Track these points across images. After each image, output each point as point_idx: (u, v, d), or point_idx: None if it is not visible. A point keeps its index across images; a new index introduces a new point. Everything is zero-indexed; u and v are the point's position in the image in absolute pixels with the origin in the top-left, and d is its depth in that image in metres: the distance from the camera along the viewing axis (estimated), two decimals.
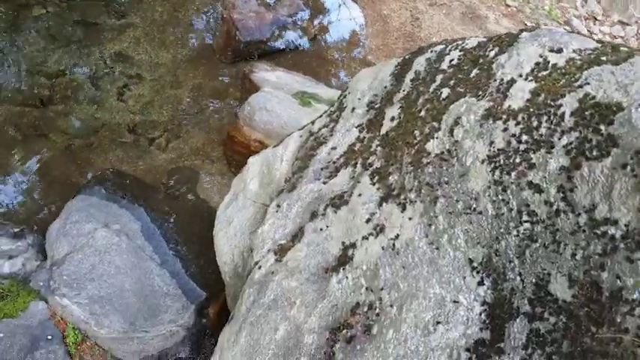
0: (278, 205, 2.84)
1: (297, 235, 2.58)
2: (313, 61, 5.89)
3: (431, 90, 2.32)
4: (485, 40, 2.24)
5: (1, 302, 3.48)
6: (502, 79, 1.95)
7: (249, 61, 5.75)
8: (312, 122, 3.38)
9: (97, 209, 4.17)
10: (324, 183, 2.72)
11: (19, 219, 4.31)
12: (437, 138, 2.09)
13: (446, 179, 1.98)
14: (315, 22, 6.19)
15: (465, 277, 1.86)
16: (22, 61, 5.66)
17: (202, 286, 3.96)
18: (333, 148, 2.90)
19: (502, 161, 1.80)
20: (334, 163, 2.80)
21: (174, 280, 3.92)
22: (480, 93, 2.00)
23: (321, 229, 2.47)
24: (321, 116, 3.34)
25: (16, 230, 4.10)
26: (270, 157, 3.50)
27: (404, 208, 2.13)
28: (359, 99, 3.06)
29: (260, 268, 2.58)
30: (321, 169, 2.83)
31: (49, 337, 3.42)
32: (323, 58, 5.92)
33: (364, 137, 2.77)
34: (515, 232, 1.74)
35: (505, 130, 1.83)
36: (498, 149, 1.83)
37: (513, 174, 1.77)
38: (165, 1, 6.50)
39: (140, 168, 4.92)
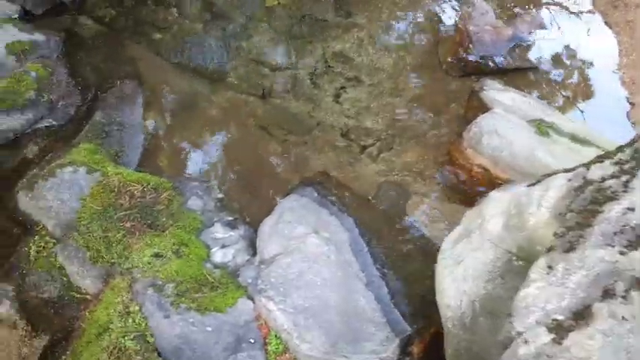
0: (549, 267, 2.35)
1: (581, 314, 2.07)
2: (550, 87, 5.24)
3: None
4: None
5: (213, 293, 3.44)
6: None
7: (479, 76, 5.25)
8: (586, 167, 2.82)
9: (308, 212, 4.01)
10: (622, 253, 2.16)
11: (232, 207, 4.30)
12: None
13: None
14: (557, 44, 5.50)
15: None
16: (250, 50, 5.77)
17: (407, 319, 3.59)
18: (630, 209, 2.32)
19: None
20: (633, 229, 2.23)
21: (379, 305, 3.61)
22: None
23: (623, 318, 1.93)
24: (601, 161, 2.76)
25: (230, 219, 4.09)
26: (523, 197, 3.01)
27: None
28: None
29: (527, 343, 2.11)
30: (614, 233, 2.27)
31: (252, 341, 3.30)
32: (563, 84, 5.24)
33: None
34: None
35: None
36: None
37: None
38: (393, 4, 6.25)
39: (350, 175, 4.71)
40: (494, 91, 4.80)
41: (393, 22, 6.09)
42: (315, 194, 4.23)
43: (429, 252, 4.06)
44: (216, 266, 3.69)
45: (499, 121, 4.46)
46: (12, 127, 4.33)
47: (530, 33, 5.37)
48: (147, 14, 5.95)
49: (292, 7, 6.26)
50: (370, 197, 4.51)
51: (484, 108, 4.74)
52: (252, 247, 3.94)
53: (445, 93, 5.31)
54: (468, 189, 4.44)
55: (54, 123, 4.55)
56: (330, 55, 5.83)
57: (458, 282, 3.06)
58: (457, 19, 5.55)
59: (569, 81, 5.26)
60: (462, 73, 5.29)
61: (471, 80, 5.25)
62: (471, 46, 5.17)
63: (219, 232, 3.94)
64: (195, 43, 5.73)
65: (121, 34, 5.68)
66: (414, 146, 4.96)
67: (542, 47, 5.41)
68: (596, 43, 5.50)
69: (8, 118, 4.31)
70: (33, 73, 4.63)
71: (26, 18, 5.38)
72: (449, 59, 5.38)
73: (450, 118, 5.09)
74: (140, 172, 4.21)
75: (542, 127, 4.43)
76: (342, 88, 5.55)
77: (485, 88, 4.90)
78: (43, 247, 3.63)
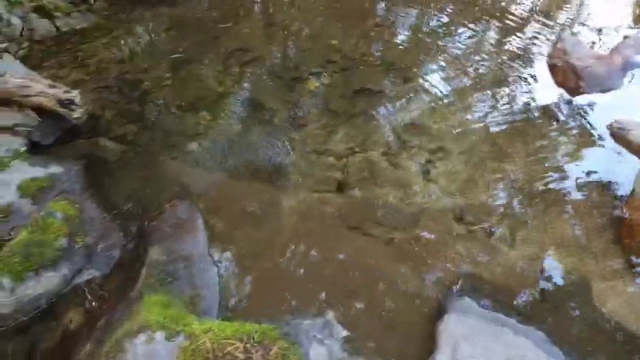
0: None
1: None
2: None
3: None
4: None
5: None
6: None
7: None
8: None
9: (488, 337, 2.80)
10: None
11: (367, 348, 3.06)
12: None
13: None
14: None
15: None
16: (306, 140, 4.75)
17: None
18: None
19: None
20: None
21: None
22: None
23: None
24: None
25: None
26: None
27: None
28: None
29: None
30: None
31: None
32: None
33: None
34: None
35: None
36: None
37: None
38: (456, 58, 5.38)
39: (494, 270, 3.55)
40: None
41: (464, 78, 5.18)
42: (478, 307, 3.03)
43: None
44: None
45: None
46: (44, 291, 3.14)
47: None
48: (174, 124, 4.96)
49: (339, 86, 5.35)
50: (535, 293, 3.31)
51: (635, 150, 3.70)
52: None
53: (567, 144, 4.27)
54: None
55: (96, 274, 3.38)
56: (400, 128, 4.84)
57: None
58: (547, 58, 4.62)
59: None
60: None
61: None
62: (581, 83, 4.21)
63: None
64: (240, 144, 4.72)
65: (150, 151, 4.63)
66: (556, 215, 3.85)
67: None
68: None
69: (37, 280, 3.14)
70: (58, 214, 3.52)
71: (35, 151, 4.33)
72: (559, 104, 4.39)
73: (589, 170, 4.02)
74: (230, 320, 2.98)
75: None
76: (429, 162, 4.52)
77: (624, 127, 3.88)
78: None
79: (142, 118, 5.04)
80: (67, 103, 4.43)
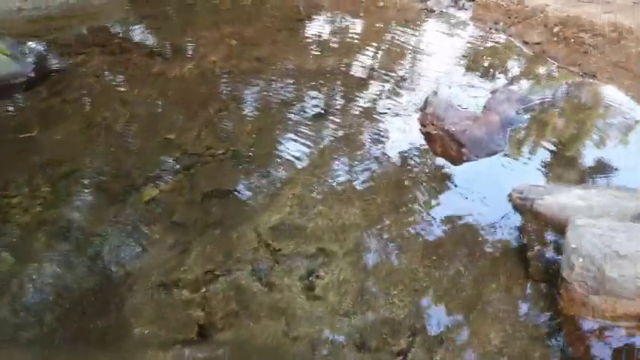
0: None
1: None
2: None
3: None
4: None
5: None
6: None
7: None
8: None
9: None
10: None
11: None
12: None
13: None
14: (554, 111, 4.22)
15: None
16: (150, 272, 3.62)
17: None
18: None
19: None
20: None
21: None
22: None
23: None
24: None
25: None
26: None
27: None
28: None
29: None
30: None
31: None
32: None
33: None
34: None
35: None
36: None
37: None
38: (316, 141, 4.63)
39: None
40: (548, 196, 3.20)
41: (335, 158, 4.43)
42: None
43: None
44: None
45: (602, 235, 2.81)
46: None
47: (518, 111, 4.01)
48: None
49: (184, 190, 4.32)
50: None
51: (556, 224, 3.10)
52: None
53: (468, 225, 3.61)
54: None
55: None
56: (267, 234, 3.92)
57: None
58: (420, 127, 4.01)
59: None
60: None
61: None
62: (463, 150, 3.62)
63: None
64: (61, 295, 3.48)
65: None
66: (479, 321, 3.09)
67: (545, 120, 4.07)
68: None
69: None
70: None
71: None
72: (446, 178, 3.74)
73: (504, 257, 3.36)
74: None
75: None
76: (310, 273, 3.62)
77: (530, 195, 3.28)
78: None
79: None
80: None
